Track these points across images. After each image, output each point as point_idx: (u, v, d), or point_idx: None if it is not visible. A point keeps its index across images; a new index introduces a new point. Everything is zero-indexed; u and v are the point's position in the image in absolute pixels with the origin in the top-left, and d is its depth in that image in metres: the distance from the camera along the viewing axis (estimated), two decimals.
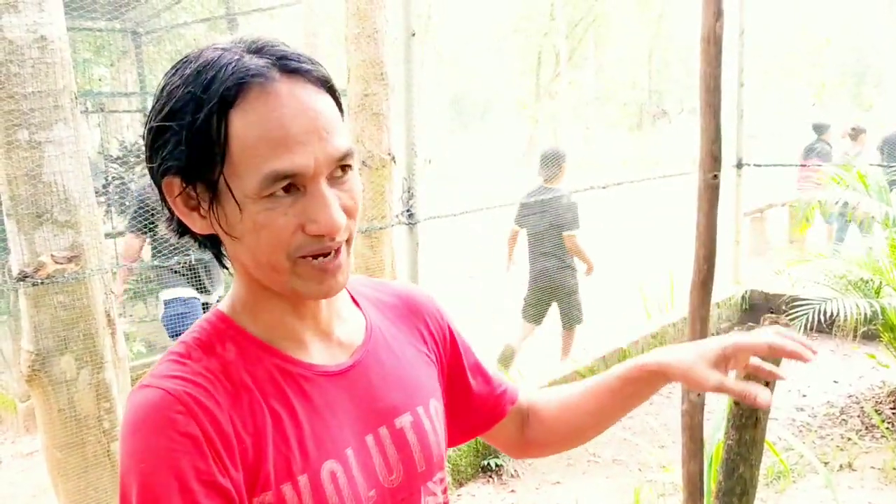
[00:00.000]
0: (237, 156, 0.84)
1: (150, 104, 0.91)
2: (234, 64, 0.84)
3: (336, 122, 0.88)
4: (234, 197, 0.85)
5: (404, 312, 1.13)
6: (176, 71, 0.87)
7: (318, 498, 0.90)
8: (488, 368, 1.24)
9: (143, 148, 0.91)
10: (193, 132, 0.84)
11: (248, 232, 0.87)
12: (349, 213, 0.89)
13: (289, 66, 0.86)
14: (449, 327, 1.18)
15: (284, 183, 0.84)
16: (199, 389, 0.86)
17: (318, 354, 0.98)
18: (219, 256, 0.96)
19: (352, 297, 1.09)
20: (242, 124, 0.83)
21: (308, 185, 0.85)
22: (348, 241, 0.91)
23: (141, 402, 0.85)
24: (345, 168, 0.88)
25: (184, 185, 0.87)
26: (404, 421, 1.02)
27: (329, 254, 0.89)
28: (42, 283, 2.52)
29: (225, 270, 0.99)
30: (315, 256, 0.88)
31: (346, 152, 0.87)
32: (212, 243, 0.95)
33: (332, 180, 0.87)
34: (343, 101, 0.97)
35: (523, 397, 1.26)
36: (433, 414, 1.06)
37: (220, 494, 0.83)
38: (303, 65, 0.87)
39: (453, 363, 1.17)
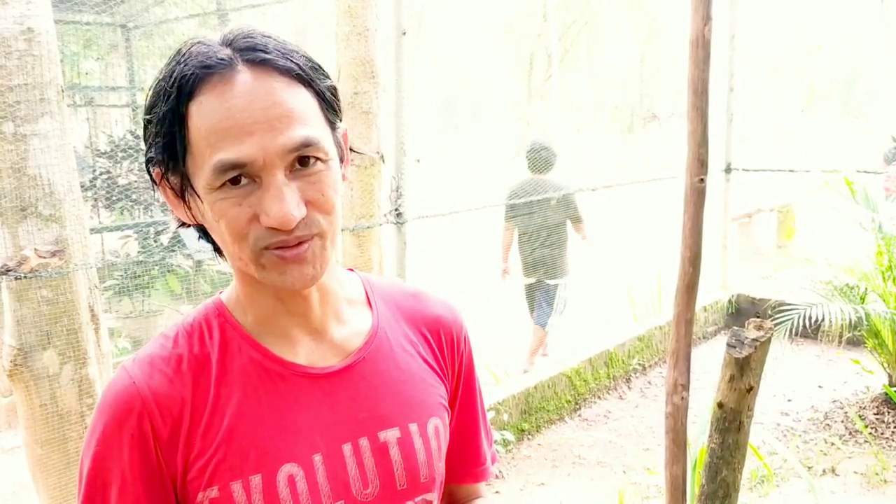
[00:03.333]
0: (195, 146, 0.85)
1: (139, 99, 0.93)
2: (198, 56, 0.85)
3: (299, 114, 0.85)
4: (193, 187, 0.87)
5: (426, 325, 1.09)
6: (165, 64, 0.89)
7: (270, 500, 0.90)
8: (485, 431, 1.19)
9: (136, 142, 0.93)
10: (160, 124, 0.85)
11: (212, 222, 0.88)
12: (315, 206, 0.86)
13: (255, 56, 0.85)
14: (469, 359, 1.14)
15: (234, 173, 0.83)
16: (166, 382, 0.90)
17: (305, 354, 0.96)
18: (216, 248, 0.96)
19: (368, 297, 1.06)
20: (197, 115, 0.84)
21: (262, 176, 0.84)
22: (322, 236, 0.88)
23: (113, 388, 0.91)
24: (308, 160, 0.86)
25: (162, 174, 0.89)
26: (389, 435, 0.98)
27: (290, 245, 0.86)
28: (25, 277, 2.50)
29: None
30: (277, 248, 0.86)
31: (303, 142, 0.84)
32: (207, 234, 0.95)
33: (294, 172, 0.85)
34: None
35: (478, 490, 1.22)
36: (430, 433, 1.02)
37: (156, 489, 0.89)
38: (269, 55, 0.85)
39: (454, 394, 1.12)
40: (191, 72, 0.84)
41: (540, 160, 5.65)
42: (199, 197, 0.87)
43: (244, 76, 0.84)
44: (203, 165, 0.84)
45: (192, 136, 0.84)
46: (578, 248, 5.95)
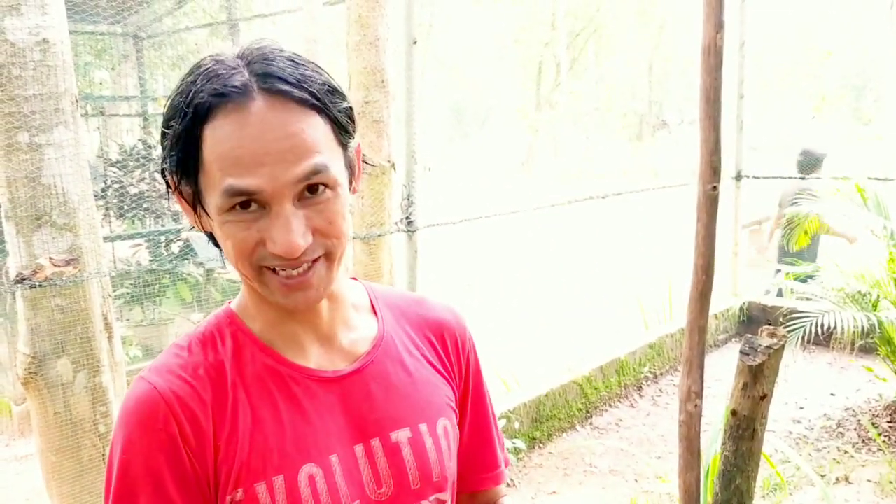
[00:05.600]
0: (207, 166, 0.87)
1: (150, 108, 0.95)
2: (218, 78, 0.86)
3: (312, 143, 0.86)
4: (204, 205, 0.89)
5: (430, 330, 1.11)
6: (183, 77, 0.90)
7: (293, 500, 0.91)
8: (497, 434, 1.20)
9: (147, 151, 0.94)
10: (175, 140, 0.87)
11: (221, 238, 0.91)
12: (322, 233, 0.88)
13: (271, 86, 0.86)
14: (475, 362, 1.16)
15: (242, 199, 0.85)
16: (186, 387, 0.91)
17: (315, 359, 0.99)
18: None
19: (372, 305, 1.08)
20: (212, 139, 0.85)
21: (272, 204, 0.86)
22: (328, 257, 0.91)
23: (133, 395, 0.92)
24: (317, 187, 0.87)
25: (176, 183, 0.92)
26: (401, 435, 1.00)
27: (296, 267, 0.88)
28: (40, 285, 2.51)
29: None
30: (282, 269, 0.89)
31: (312, 171, 0.85)
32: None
33: (303, 200, 0.87)
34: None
35: (499, 493, 1.22)
36: (440, 433, 1.04)
37: (189, 490, 0.89)
38: (285, 86, 0.86)
39: (463, 398, 1.14)
40: (207, 95, 0.85)
41: (806, 163, 6.33)
42: (209, 214, 0.90)
43: (258, 104, 0.85)
44: (214, 188, 0.86)
45: (205, 157, 0.86)
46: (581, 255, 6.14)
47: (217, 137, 0.85)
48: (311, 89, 0.87)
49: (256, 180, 0.84)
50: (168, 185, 0.94)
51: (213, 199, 0.87)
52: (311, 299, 0.91)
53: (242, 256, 0.88)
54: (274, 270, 0.89)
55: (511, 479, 4.12)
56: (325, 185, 0.88)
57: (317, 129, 0.87)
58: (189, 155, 0.87)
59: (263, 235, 0.86)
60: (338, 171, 0.90)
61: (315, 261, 0.89)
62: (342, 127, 0.92)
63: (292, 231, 0.85)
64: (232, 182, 0.84)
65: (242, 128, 0.84)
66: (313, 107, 0.87)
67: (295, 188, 0.85)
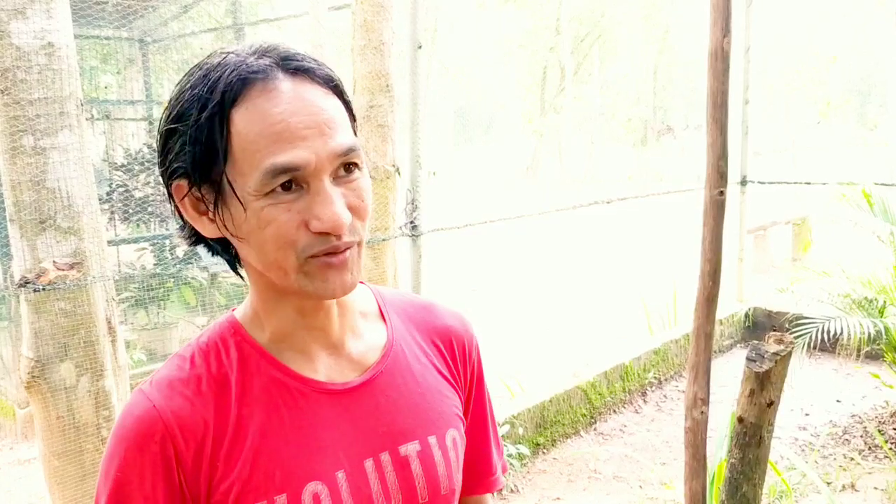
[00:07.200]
0: (239, 153, 0.84)
1: (155, 112, 0.92)
2: (238, 64, 0.85)
3: (340, 120, 0.87)
4: (237, 195, 0.85)
5: (438, 337, 1.09)
6: (186, 77, 0.88)
7: None
8: (495, 439, 1.19)
9: (152, 155, 0.91)
10: (197, 131, 0.84)
11: (253, 230, 0.86)
12: (356, 212, 0.87)
13: (292, 65, 0.86)
14: (479, 369, 1.14)
15: (285, 178, 0.83)
16: (187, 404, 0.89)
17: (324, 370, 0.96)
18: (232, 263, 0.96)
19: (381, 310, 1.06)
20: (244, 121, 0.84)
21: (311, 181, 0.84)
22: (360, 244, 0.89)
23: (131, 412, 0.89)
24: (350, 167, 0.87)
25: (190, 186, 0.88)
26: (410, 448, 0.98)
27: (337, 252, 0.87)
28: (43, 289, 2.51)
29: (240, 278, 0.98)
30: (325, 255, 0.86)
31: (350, 148, 0.86)
32: (224, 249, 0.94)
33: (338, 179, 0.86)
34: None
35: (486, 498, 1.20)
36: (448, 445, 1.02)
37: None
38: (306, 63, 0.87)
39: (467, 405, 1.12)
40: (234, 78, 0.84)
41: None
42: (241, 204, 0.85)
43: (287, 84, 0.85)
44: (250, 171, 0.83)
45: (234, 143, 0.84)
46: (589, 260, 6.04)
47: (251, 118, 0.83)
48: (328, 71, 0.89)
49: (300, 153, 0.82)
50: (170, 194, 0.90)
51: (251, 183, 0.83)
52: (348, 283, 0.88)
53: (285, 243, 0.84)
54: (315, 256, 0.86)
55: (515, 485, 4.10)
56: (356, 165, 0.88)
57: (339, 109, 0.88)
58: (214, 144, 0.84)
59: (304, 217, 0.84)
60: (362, 154, 0.90)
61: (351, 246, 0.88)
62: (353, 116, 0.93)
63: (336, 203, 0.84)
64: (275, 160, 0.82)
65: (278, 105, 0.83)
66: (333, 88, 0.89)
67: (334, 163, 0.85)
